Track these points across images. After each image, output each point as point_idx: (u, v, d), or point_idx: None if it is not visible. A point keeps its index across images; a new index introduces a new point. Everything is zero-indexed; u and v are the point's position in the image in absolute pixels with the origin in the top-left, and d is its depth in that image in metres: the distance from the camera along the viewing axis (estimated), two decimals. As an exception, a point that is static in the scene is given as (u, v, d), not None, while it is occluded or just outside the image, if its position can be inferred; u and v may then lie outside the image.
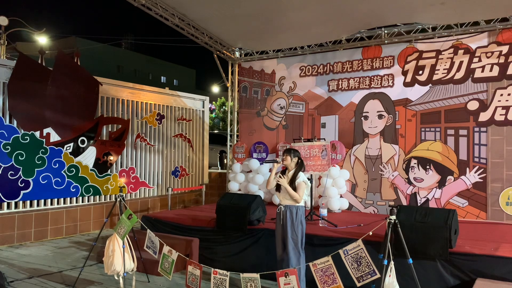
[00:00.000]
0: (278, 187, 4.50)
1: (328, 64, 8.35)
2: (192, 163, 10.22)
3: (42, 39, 18.69)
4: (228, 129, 10.00)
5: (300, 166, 4.53)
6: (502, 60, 6.72)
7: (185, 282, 4.10)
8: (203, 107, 10.56)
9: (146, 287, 4.86)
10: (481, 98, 6.86)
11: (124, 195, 4.87)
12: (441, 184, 7.08)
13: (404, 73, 7.53)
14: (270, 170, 8.49)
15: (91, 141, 7.97)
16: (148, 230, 4.64)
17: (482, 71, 6.86)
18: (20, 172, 6.85)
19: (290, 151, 4.55)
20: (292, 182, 4.41)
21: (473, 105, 6.91)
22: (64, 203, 7.62)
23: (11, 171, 6.73)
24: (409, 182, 7.34)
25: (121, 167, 8.56)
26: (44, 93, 7.21)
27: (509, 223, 6.41)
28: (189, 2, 7.38)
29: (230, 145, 9.84)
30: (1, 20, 14.04)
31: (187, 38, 8.63)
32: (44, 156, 7.19)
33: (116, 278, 4.61)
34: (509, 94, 6.65)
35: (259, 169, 8.33)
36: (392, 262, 3.51)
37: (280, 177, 4.45)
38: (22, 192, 6.89)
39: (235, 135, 9.96)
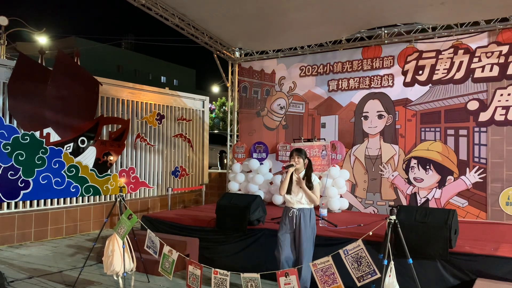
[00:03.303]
0: (289, 191, 4.37)
1: (328, 64, 8.35)
2: (192, 163, 10.23)
3: (42, 39, 18.70)
4: (228, 129, 10.00)
5: (310, 167, 4.47)
6: (502, 60, 6.72)
7: (186, 282, 4.10)
8: (203, 107, 10.56)
9: (146, 287, 4.86)
10: (481, 98, 6.86)
11: (124, 195, 4.87)
12: (441, 184, 7.08)
13: (404, 73, 7.54)
14: (270, 170, 8.54)
15: (91, 141, 7.97)
16: (149, 230, 4.63)
17: (482, 71, 6.86)
18: (20, 172, 6.85)
19: (301, 152, 4.44)
20: (307, 182, 4.34)
21: (473, 105, 6.92)
22: (64, 203, 7.62)
23: (11, 171, 6.73)
24: (409, 182, 7.34)
25: (121, 167, 8.56)
26: (44, 93, 7.21)
27: (509, 223, 6.41)
28: (189, 2, 7.38)
29: (230, 145, 9.84)
30: (1, 20, 14.05)
31: (187, 38, 8.64)
32: (44, 156, 7.20)
33: (115, 278, 4.61)
34: (509, 94, 6.65)
35: (259, 169, 8.33)
36: (392, 262, 3.51)
37: (298, 178, 4.34)
38: (22, 192, 6.89)
39: (235, 135, 9.96)
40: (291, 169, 4.37)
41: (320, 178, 7.55)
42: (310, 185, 4.35)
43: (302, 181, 4.33)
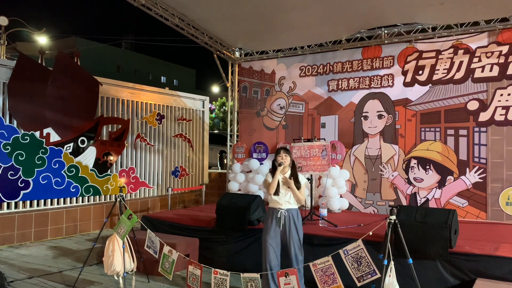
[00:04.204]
0: (277, 191, 4.31)
1: (328, 64, 8.35)
2: (192, 163, 10.23)
3: (42, 39, 18.69)
4: (228, 129, 10.00)
5: (294, 166, 4.45)
6: (502, 60, 6.72)
7: (186, 282, 4.10)
8: (203, 107, 10.56)
9: (146, 287, 4.86)
10: (481, 98, 6.86)
11: (124, 195, 4.87)
12: (441, 184, 7.08)
13: (404, 73, 7.54)
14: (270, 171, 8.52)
15: (91, 141, 7.97)
16: (149, 230, 4.64)
17: (482, 71, 6.86)
18: (20, 172, 6.85)
19: (288, 150, 4.44)
20: (295, 182, 4.30)
21: (473, 105, 6.92)
22: (64, 203, 7.63)
23: (11, 171, 6.73)
24: (409, 182, 7.34)
25: (121, 167, 8.56)
26: (44, 93, 7.21)
27: (509, 223, 6.41)
28: (189, 2, 7.38)
29: (230, 145, 9.84)
30: (1, 20, 14.04)
31: (187, 38, 8.64)
32: (44, 156, 7.20)
33: (116, 278, 4.61)
34: (509, 94, 6.65)
35: (259, 169, 8.33)
36: (392, 262, 3.51)
37: (285, 178, 4.30)
38: (22, 192, 6.89)
39: (235, 135, 9.97)
40: (280, 168, 4.31)
41: (320, 178, 7.59)
42: (298, 185, 4.30)
43: (290, 181, 4.28)
